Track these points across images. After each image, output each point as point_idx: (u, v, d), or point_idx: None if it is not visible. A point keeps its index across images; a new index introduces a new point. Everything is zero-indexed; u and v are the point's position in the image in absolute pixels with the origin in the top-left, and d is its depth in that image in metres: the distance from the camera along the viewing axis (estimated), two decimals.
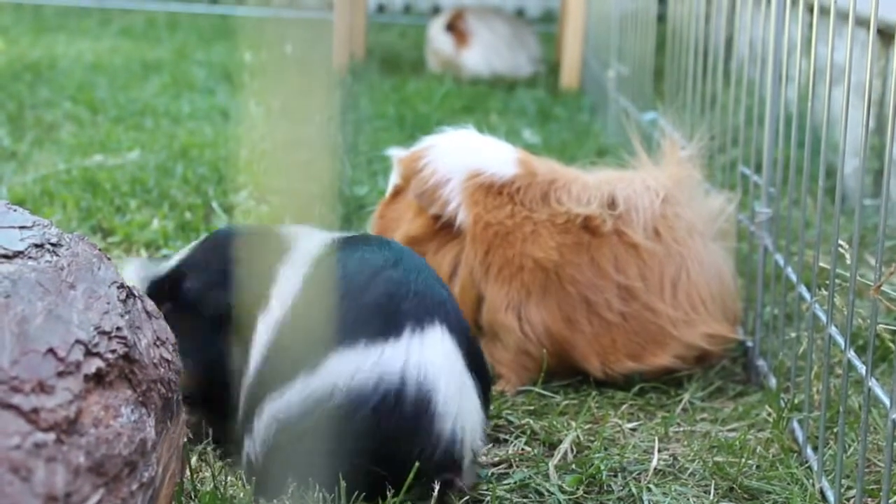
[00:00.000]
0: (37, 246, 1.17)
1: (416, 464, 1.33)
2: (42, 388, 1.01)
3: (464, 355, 1.41)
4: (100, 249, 1.28)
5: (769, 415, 1.74)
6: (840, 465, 1.43)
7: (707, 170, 2.08)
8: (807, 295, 1.65)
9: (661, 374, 1.86)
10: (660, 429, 1.70)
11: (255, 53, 4.03)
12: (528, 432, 1.67)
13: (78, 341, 1.07)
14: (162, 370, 1.21)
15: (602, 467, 1.53)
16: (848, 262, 1.47)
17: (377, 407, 1.33)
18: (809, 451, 1.60)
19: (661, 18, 3.31)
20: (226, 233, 1.64)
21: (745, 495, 1.52)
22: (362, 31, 5.12)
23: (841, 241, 1.48)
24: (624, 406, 1.79)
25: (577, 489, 1.51)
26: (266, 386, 1.38)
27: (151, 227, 2.49)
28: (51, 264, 1.15)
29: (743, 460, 1.57)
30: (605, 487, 1.52)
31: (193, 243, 1.66)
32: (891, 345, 1.85)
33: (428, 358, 1.36)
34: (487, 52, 4.82)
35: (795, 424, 1.69)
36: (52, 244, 1.19)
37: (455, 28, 4.85)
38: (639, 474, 1.56)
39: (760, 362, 1.90)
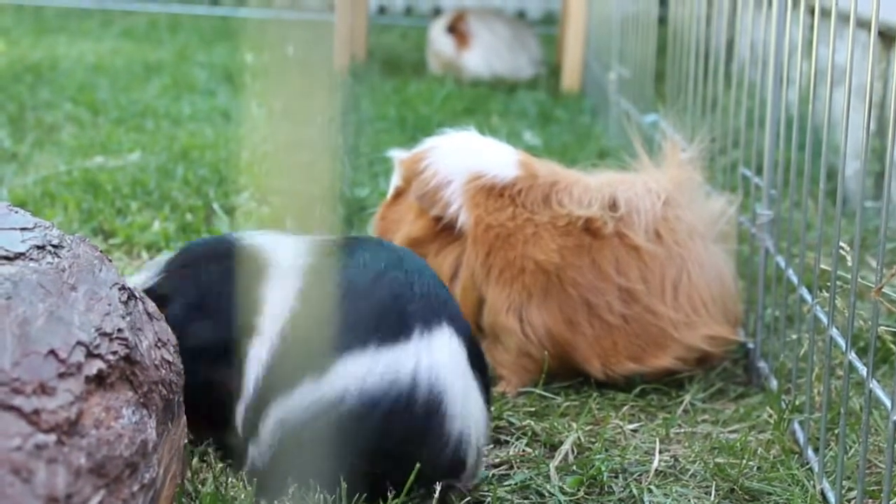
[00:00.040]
0: (38, 247, 1.17)
1: (417, 465, 1.33)
2: (43, 389, 1.01)
3: (467, 356, 1.41)
4: (101, 251, 1.28)
5: (770, 416, 1.74)
6: (841, 467, 1.43)
7: (708, 172, 2.08)
8: (808, 297, 1.65)
9: (662, 375, 1.86)
10: (661, 430, 1.70)
11: (256, 55, 4.04)
12: (529, 433, 1.67)
13: (79, 343, 1.08)
14: (163, 371, 1.21)
15: (603, 468, 1.53)
16: (849, 263, 1.46)
17: (390, 409, 1.32)
18: (810, 452, 1.60)
19: (663, 21, 3.31)
20: (197, 253, 1.55)
21: (746, 497, 1.52)
22: (363, 33, 5.12)
23: (842, 243, 1.48)
24: (625, 407, 1.79)
25: (578, 490, 1.51)
26: (270, 393, 1.36)
27: (152, 228, 2.49)
28: (52, 266, 1.15)
29: (744, 462, 1.57)
30: (606, 489, 1.52)
31: (161, 261, 1.57)
32: (892, 346, 1.85)
33: (437, 359, 1.36)
34: (488, 53, 4.82)
35: (796, 426, 1.69)
36: (54, 246, 1.20)
37: (456, 30, 4.84)
38: (640, 475, 1.56)
39: (761, 364, 1.90)
